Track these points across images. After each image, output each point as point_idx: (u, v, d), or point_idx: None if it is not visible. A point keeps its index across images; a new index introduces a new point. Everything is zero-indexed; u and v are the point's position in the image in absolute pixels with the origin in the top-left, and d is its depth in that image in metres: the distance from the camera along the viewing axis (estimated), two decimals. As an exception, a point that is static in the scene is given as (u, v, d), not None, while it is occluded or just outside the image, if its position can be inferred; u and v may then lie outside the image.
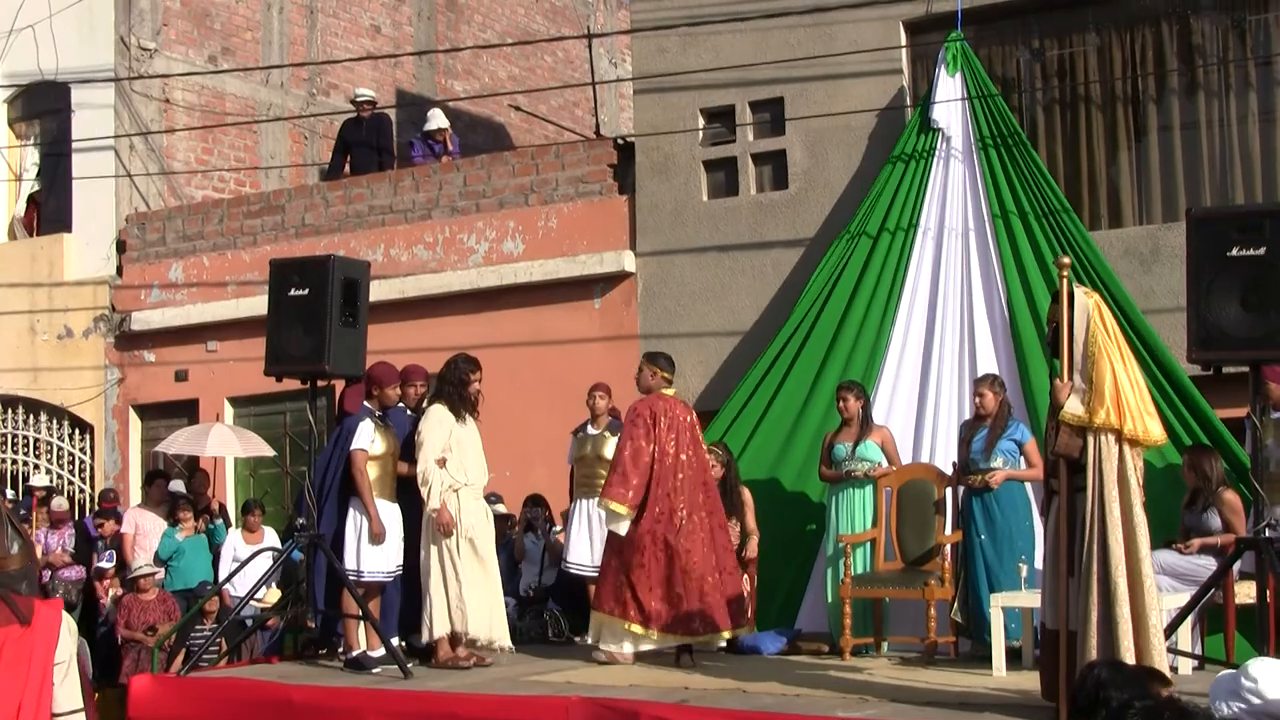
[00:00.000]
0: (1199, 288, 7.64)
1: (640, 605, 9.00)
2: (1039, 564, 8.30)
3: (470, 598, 8.88)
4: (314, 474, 9.40)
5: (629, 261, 12.53)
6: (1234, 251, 7.56)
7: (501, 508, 11.39)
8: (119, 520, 13.06)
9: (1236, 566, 8.28)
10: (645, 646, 9.10)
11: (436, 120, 15.43)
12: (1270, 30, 10.67)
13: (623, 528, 9.05)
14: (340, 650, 9.27)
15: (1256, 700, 6.05)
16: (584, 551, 9.99)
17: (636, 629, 9.02)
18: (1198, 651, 8.38)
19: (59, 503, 13.92)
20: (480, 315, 13.06)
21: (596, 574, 9.57)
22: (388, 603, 9.28)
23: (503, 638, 9.11)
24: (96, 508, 13.98)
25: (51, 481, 15.00)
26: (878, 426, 9.99)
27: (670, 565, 9.01)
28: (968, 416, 9.84)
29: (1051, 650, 6.90)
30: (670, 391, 9.41)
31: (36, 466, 15.40)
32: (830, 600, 9.74)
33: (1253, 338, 7.55)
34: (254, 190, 16.09)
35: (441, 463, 8.95)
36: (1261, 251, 7.50)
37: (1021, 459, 9.26)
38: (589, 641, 9.34)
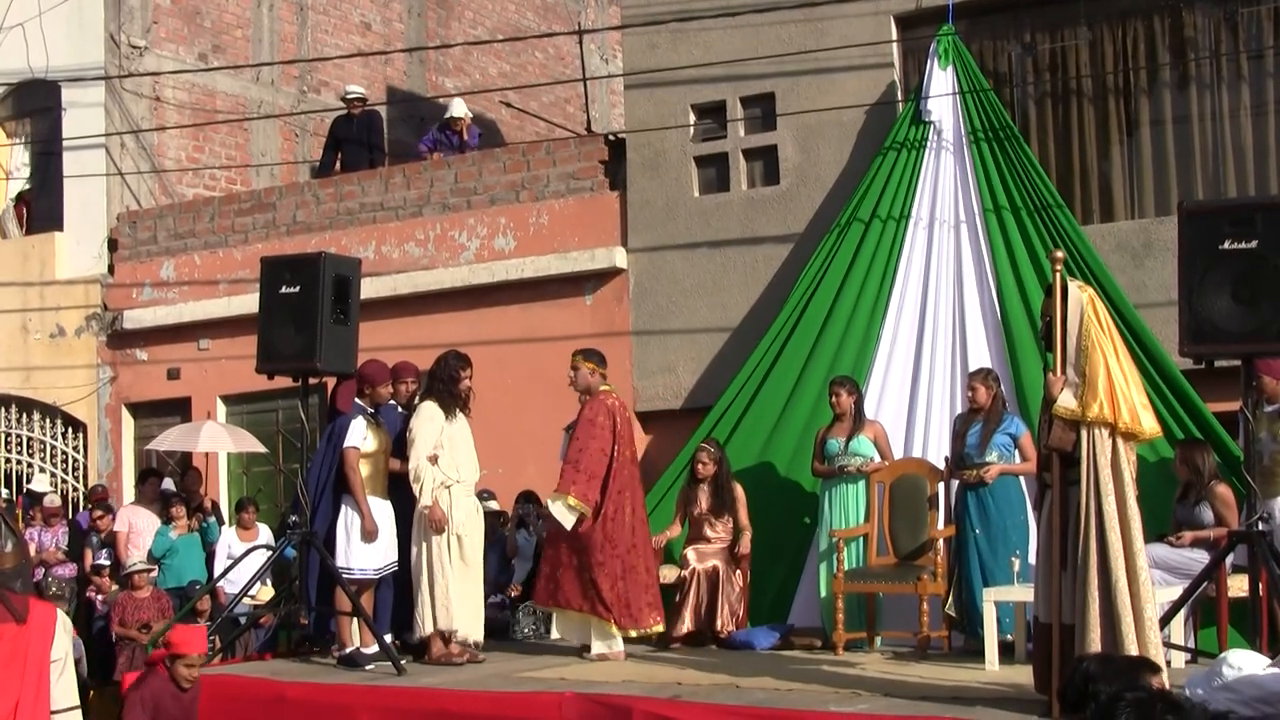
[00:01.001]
0: (1191, 281, 7.64)
1: (605, 602, 9.12)
2: (1033, 558, 8.30)
3: (456, 595, 8.91)
4: (307, 472, 9.40)
5: (620, 258, 12.52)
6: (1226, 245, 7.56)
7: (494, 504, 11.40)
8: (112, 513, 13.04)
9: (1229, 560, 8.29)
10: (618, 646, 9.21)
11: (456, 108, 15.27)
12: (1262, 23, 10.68)
13: (570, 523, 9.12)
14: (334, 647, 9.28)
15: (1248, 689, 6.06)
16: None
17: (609, 627, 9.14)
18: (1191, 645, 8.40)
19: (51, 499, 13.91)
20: (472, 312, 13.05)
21: None
22: (381, 599, 9.29)
23: (476, 633, 9.15)
24: (87, 505, 13.95)
25: (46, 481, 14.98)
26: (870, 421, 10.00)
27: (624, 561, 9.18)
28: (960, 410, 9.86)
29: (1044, 644, 6.91)
30: (607, 387, 9.51)
31: (30, 465, 15.38)
32: (823, 595, 9.74)
33: (1244, 331, 7.55)
34: (245, 188, 16.06)
35: (433, 459, 8.96)
36: (1253, 245, 7.51)
37: (1016, 453, 9.27)
38: (554, 637, 9.39)
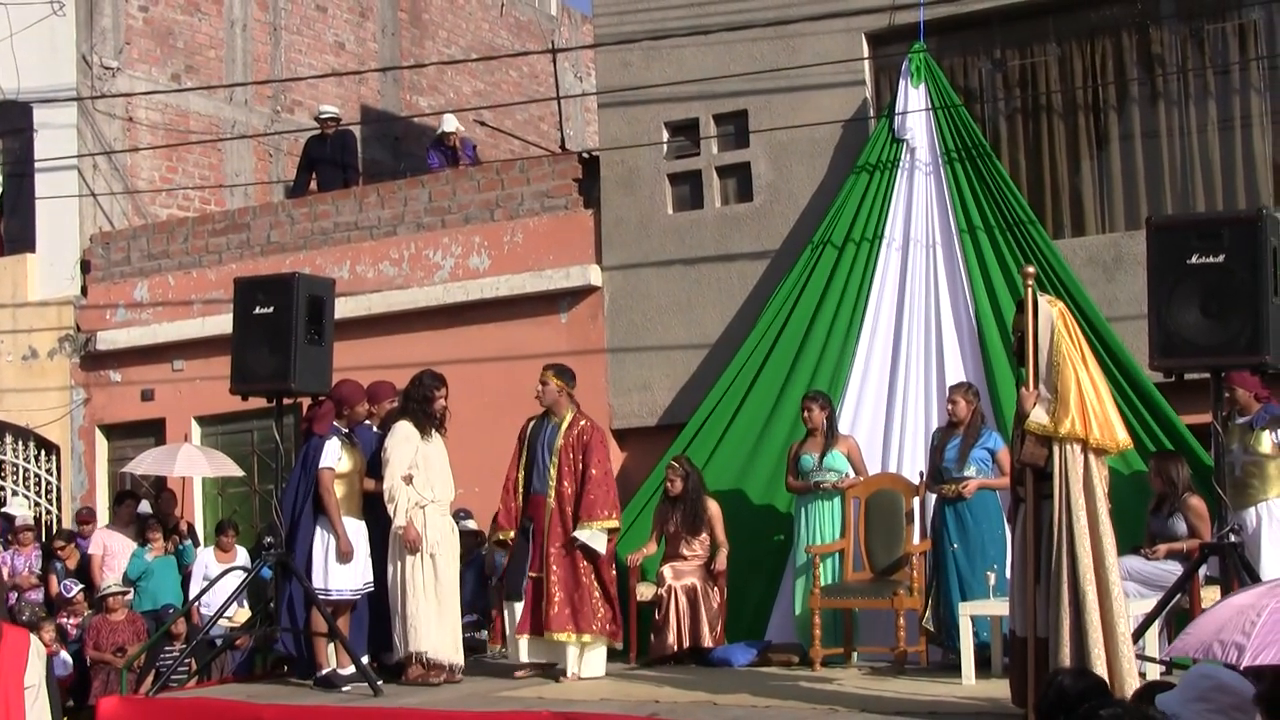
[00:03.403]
0: (1160, 295, 7.70)
1: (614, 619, 9.26)
2: (1009, 572, 8.33)
3: (426, 615, 8.88)
4: (283, 493, 9.38)
5: (595, 275, 12.53)
6: (1194, 259, 7.62)
7: (471, 524, 11.38)
8: (74, 541, 12.96)
9: (1202, 571, 8.33)
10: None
11: (447, 123, 15.35)
12: (1228, 39, 10.76)
13: (604, 546, 9.20)
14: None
15: (1223, 697, 6.07)
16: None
17: (606, 644, 9.23)
18: (1165, 657, 8.43)
19: (24, 519, 13.81)
20: (447, 331, 13.04)
21: None
22: (357, 620, 9.26)
23: (456, 656, 9.10)
24: (74, 526, 13.86)
25: (21, 504, 14.87)
26: (843, 436, 10.03)
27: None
28: (936, 426, 9.89)
29: (1020, 657, 6.95)
30: (577, 412, 9.67)
31: (2, 488, 15.29)
32: (799, 611, 9.76)
33: (1213, 344, 7.61)
34: (219, 208, 16.03)
35: (408, 479, 8.95)
36: (1220, 259, 7.57)
37: (994, 467, 9.29)
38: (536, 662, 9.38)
